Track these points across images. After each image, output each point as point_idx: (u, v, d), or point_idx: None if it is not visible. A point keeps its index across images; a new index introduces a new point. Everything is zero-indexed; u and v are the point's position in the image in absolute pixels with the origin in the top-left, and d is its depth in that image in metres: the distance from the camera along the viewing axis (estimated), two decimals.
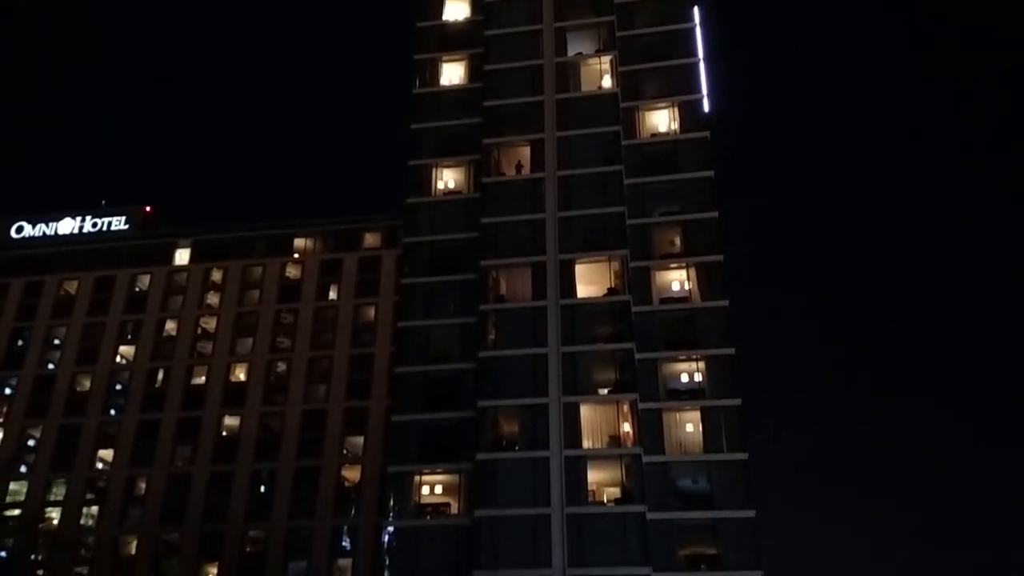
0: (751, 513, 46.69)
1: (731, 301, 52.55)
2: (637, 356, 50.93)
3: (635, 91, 59.38)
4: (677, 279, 54.51)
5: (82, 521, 58.78)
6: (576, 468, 48.11)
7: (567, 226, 55.03)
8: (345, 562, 55.49)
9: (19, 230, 74.22)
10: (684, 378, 51.81)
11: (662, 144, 58.07)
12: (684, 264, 54.35)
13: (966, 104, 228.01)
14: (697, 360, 51.54)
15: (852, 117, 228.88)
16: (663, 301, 53.66)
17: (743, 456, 48.30)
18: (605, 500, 48.47)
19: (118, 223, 73.52)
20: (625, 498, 47.52)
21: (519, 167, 58.11)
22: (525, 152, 58.28)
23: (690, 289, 53.81)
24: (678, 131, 58.18)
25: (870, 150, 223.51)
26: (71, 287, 69.93)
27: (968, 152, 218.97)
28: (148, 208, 75.62)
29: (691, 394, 50.92)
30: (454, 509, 49.66)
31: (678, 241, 55.32)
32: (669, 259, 54.79)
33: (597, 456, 48.97)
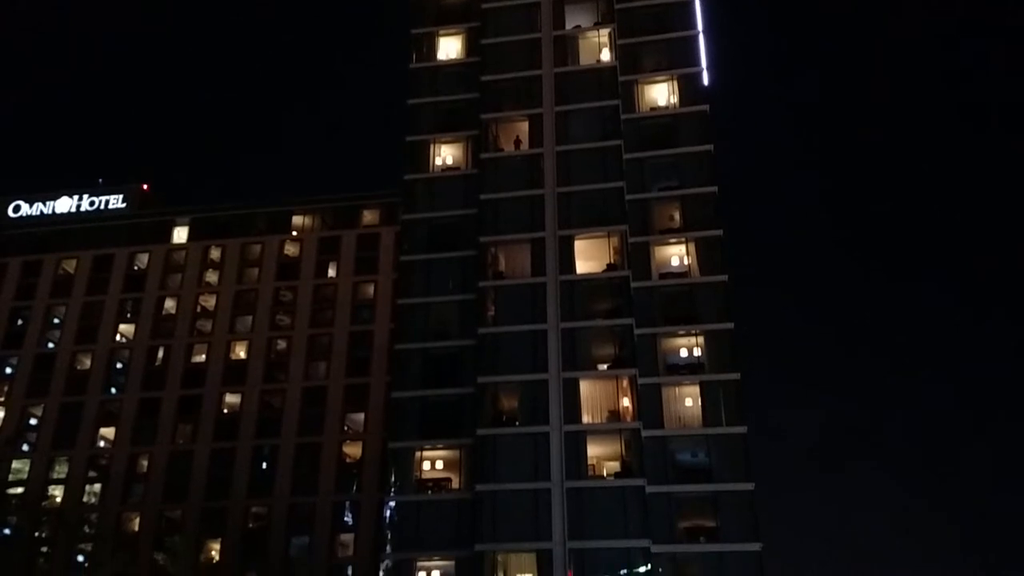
0: (750, 486, 46.99)
1: (730, 276, 52.55)
2: (636, 331, 50.96)
3: (634, 64, 58.89)
4: (676, 254, 54.41)
5: (85, 499, 59.17)
6: (576, 443, 48.36)
7: (566, 201, 54.82)
8: (347, 537, 55.91)
9: (16, 209, 73.94)
10: (683, 353, 51.90)
11: (661, 118, 57.70)
12: (683, 239, 54.22)
13: (967, 75, 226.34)
14: (696, 335, 51.60)
15: (853, 90, 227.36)
16: (662, 276, 53.60)
17: (742, 430, 48.53)
18: (605, 474, 48.76)
19: (115, 202, 73.26)
20: (625, 472, 47.80)
21: (517, 142, 57.77)
22: (523, 127, 57.91)
23: (689, 264, 53.74)
24: (677, 105, 57.77)
25: (872, 122, 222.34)
26: (69, 266, 69.81)
27: (972, 124, 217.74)
28: (145, 186, 75.34)
29: (690, 369, 51.05)
30: (455, 484, 49.97)
31: (677, 216, 55.14)
32: (668, 234, 54.65)
33: (597, 431, 49.19)
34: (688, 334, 51.87)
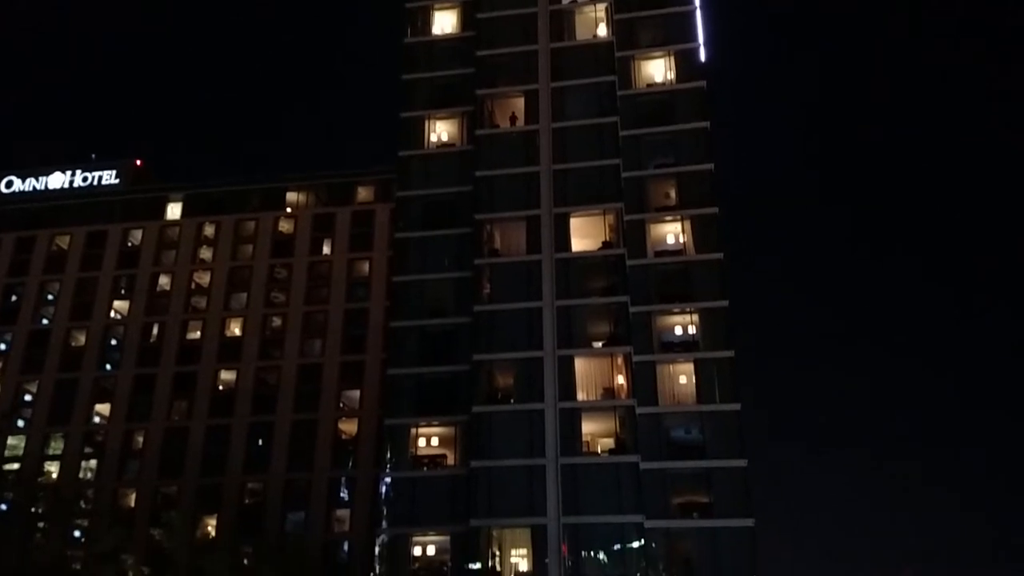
0: (743, 462, 47.37)
1: (725, 254, 52.57)
2: (631, 309, 51.03)
3: (631, 40, 58.46)
4: (672, 232, 54.39)
5: (81, 475, 59.34)
6: (570, 420, 48.60)
7: (562, 179, 54.64)
8: (343, 513, 56.25)
9: (8, 184, 73.39)
10: (678, 331, 52.07)
11: (658, 94, 57.40)
12: (679, 217, 54.17)
13: (966, 53, 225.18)
14: (691, 313, 51.73)
15: (851, 66, 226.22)
16: (658, 254, 53.62)
17: (736, 407, 48.81)
18: (599, 451, 49.08)
19: (109, 177, 72.73)
20: (619, 449, 48.10)
21: (513, 119, 57.43)
22: (519, 103, 57.56)
23: (685, 242, 53.74)
24: (674, 81, 57.45)
25: (869, 101, 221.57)
26: (63, 242, 69.46)
27: (971, 102, 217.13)
28: (138, 162, 74.80)
29: (685, 346, 51.24)
30: (450, 460, 50.25)
31: (673, 193, 55.05)
32: (664, 212, 54.58)
33: (591, 408, 49.43)
34: (683, 312, 51.99)
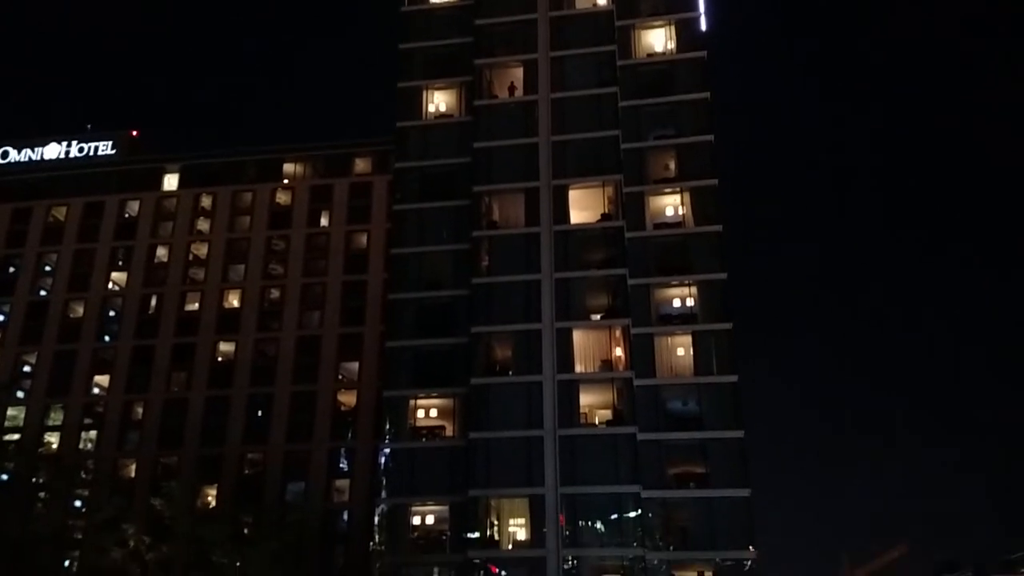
0: (740, 433, 47.67)
1: (725, 226, 52.45)
2: (630, 281, 51.02)
3: (631, 8, 57.83)
4: (671, 204, 54.22)
5: (81, 445, 59.58)
6: (568, 392, 48.81)
7: (561, 150, 54.32)
8: (343, 483, 56.62)
9: (4, 155, 72.86)
10: (676, 303, 52.11)
11: (658, 64, 56.90)
12: (678, 188, 53.96)
13: (971, 8, 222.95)
14: (690, 285, 51.73)
15: (853, 34, 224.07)
16: (657, 226, 53.48)
17: (733, 379, 49.01)
18: (597, 422, 49.35)
19: (105, 148, 72.19)
20: (616, 420, 48.37)
21: (512, 89, 56.95)
22: (518, 73, 57.04)
23: (684, 214, 53.60)
24: (674, 51, 56.91)
25: (870, 69, 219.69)
26: (60, 213, 69.12)
27: (973, 62, 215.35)
28: (134, 132, 74.22)
29: (683, 319, 51.30)
30: (449, 432, 50.54)
31: (672, 165, 54.77)
32: (663, 183, 54.35)
33: (589, 380, 49.61)
34: (681, 284, 51.99)
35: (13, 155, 72.65)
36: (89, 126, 75.12)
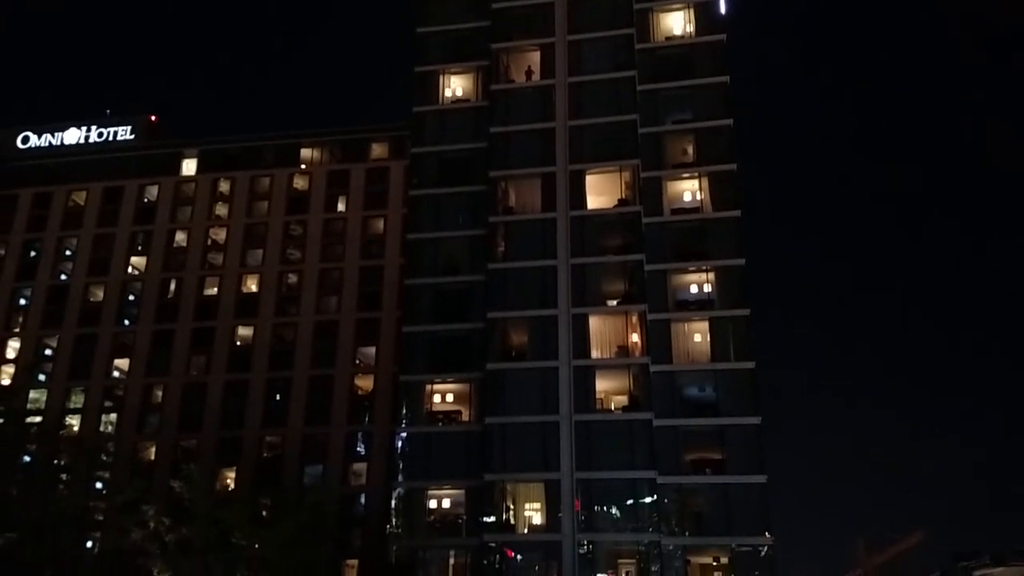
0: (756, 420, 47.47)
1: (743, 212, 52.01)
2: (647, 267, 50.79)
3: None
4: (689, 189, 53.82)
5: (101, 428, 60.33)
6: (584, 377, 48.77)
7: (578, 135, 54.03)
8: (360, 466, 57.00)
9: (25, 140, 73.48)
10: (693, 289, 51.84)
11: (676, 48, 56.33)
12: (696, 173, 53.55)
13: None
14: (707, 271, 51.42)
15: (882, 17, 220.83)
16: (674, 212, 53.14)
17: (750, 365, 48.76)
18: (613, 408, 49.32)
19: (124, 133, 72.59)
20: (632, 406, 48.31)
21: (529, 73, 56.62)
22: (535, 57, 56.68)
23: (702, 199, 53.20)
24: (693, 34, 56.31)
25: (892, 43, 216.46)
26: (80, 198, 69.67)
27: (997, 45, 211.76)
28: (153, 117, 74.55)
29: (700, 305, 51.05)
30: (465, 416, 50.69)
31: (691, 150, 54.33)
32: (681, 168, 53.95)
33: (605, 366, 49.55)
34: (699, 270, 51.69)
35: (33, 140, 73.25)
36: (108, 111, 75.64)
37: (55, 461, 42.86)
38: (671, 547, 45.87)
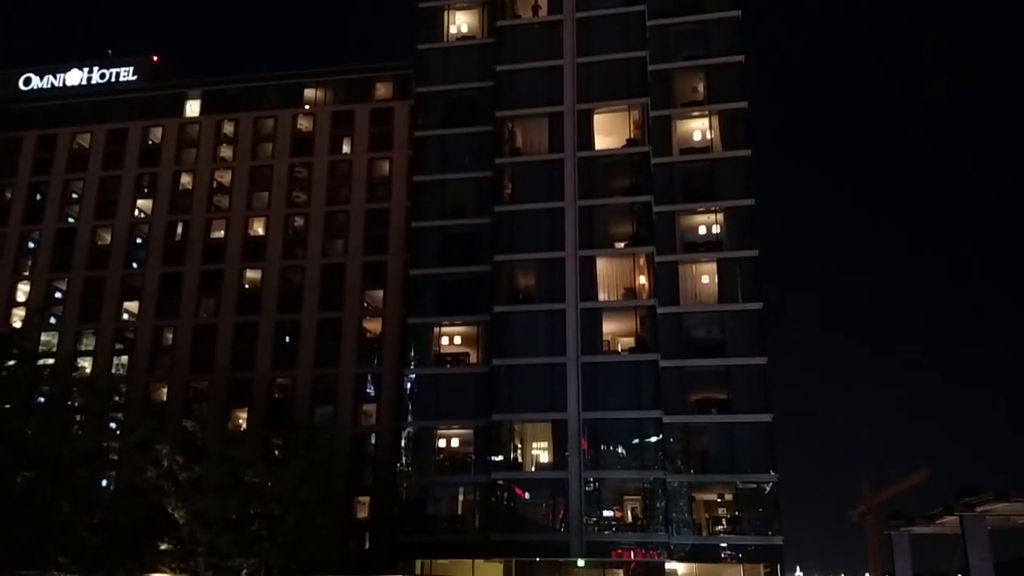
0: (762, 360, 47.65)
1: (752, 151, 51.32)
2: (655, 209, 50.41)
3: None
4: (699, 128, 53.05)
5: (113, 370, 60.97)
6: (591, 319, 48.89)
7: (586, 73, 53.08)
8: (370, 407, 57.63)
9: (27, 82, 72.64)
10: (702, 230, 51.53)
11: None
12: (706, 112, 52.71)
13: None
14: (716, 212, 51.02)
15: None
16: (683, 152, 52.48)
17: (757, 306, 48.75)
18: (620, 349, 49.55)
19: (126, 74, 71.65)
20: (639, 347, 48.50)
21: (536, 8, 55.40)
22: None
23: (712, 138, 52.46)
24: None
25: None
26: (84, 140, 69.15)
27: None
28: (155, 58, 73.47)
29: (708, 246, 50.82)
30: (473, 358, 51.07)
31: (701, 88, 53.38)
32: (691, 107, 53.09)
33: (612, 308, 49.60)
34: (707, 211, 51.31)
35: (36, 81, 72.43)
36: (110, 51, 74.51)
37: (69, 402, 43.42)
38: (676, 484, 46.57)
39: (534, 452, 49.13)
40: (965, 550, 22.39)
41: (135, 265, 64.83)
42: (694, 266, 50.64)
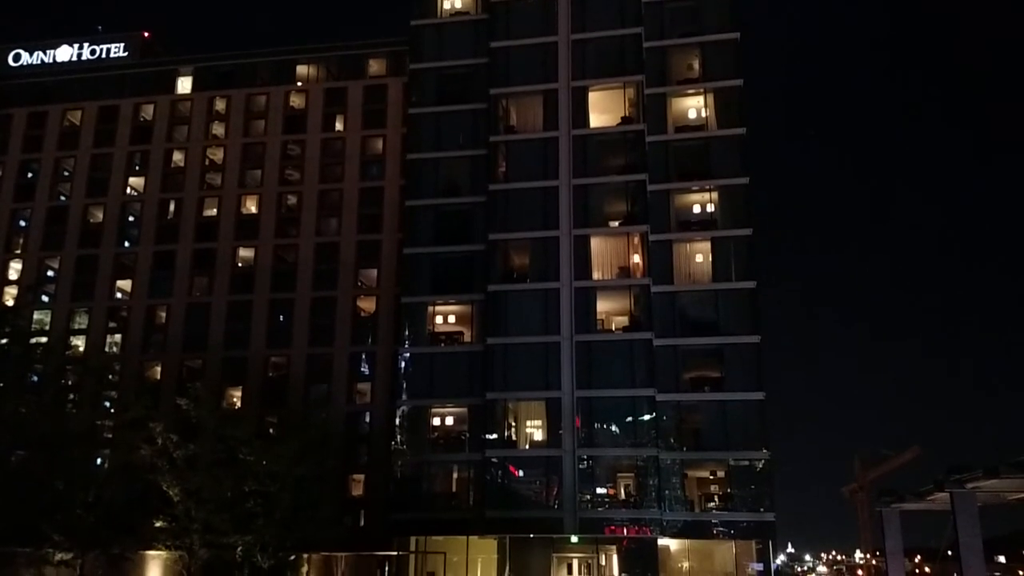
0: (756, 338, 47.83)
1: (748, 129, 51.17)
2: (649, 187, 50.31)
3: None
4: (694, 106, 52.83)
5: (107, 348, 60.84)
6: (586, 298, 48.96)
7: (580, 50, 52.73)
8: (364, 386, 57.68)
9: (16, 58, 71.79)
10: (696, 209, 51.52)
11: None
12: (702, 90, 52.45)
13: None
14: (710, 190, 50.97)
15: None
16: (678, 130, 52.30)
17: (751, 284, 48.85)
18: (613, 328, 49.64)
19: (117, 50, 70.81)
20: (633, 326, 48.63)
21: None
22: None
23: (707, 116, 52.26)
24: None
25: None
26: (75, 117, 68.48)
27: None
28: (146, 34, 72.60)
29: (702, 225, 50.80)
30: (467, 337, 51.12)
31: (696, 65, 53.10)
32: (686, 84, 52.82)
33: (606, 287, 49.67)
34: (702, 190, 51.24)
35: (25, 58, 71.60)
36: (100, 27, 73.59)
37: (62, 380, 43.39)
38: (669, 461, 46.89)
39: (528, 430, 49.36)
40: (955, 526, 22.61)
41: (127, 243, 64.48)
42: (688, 245, 50.65)
